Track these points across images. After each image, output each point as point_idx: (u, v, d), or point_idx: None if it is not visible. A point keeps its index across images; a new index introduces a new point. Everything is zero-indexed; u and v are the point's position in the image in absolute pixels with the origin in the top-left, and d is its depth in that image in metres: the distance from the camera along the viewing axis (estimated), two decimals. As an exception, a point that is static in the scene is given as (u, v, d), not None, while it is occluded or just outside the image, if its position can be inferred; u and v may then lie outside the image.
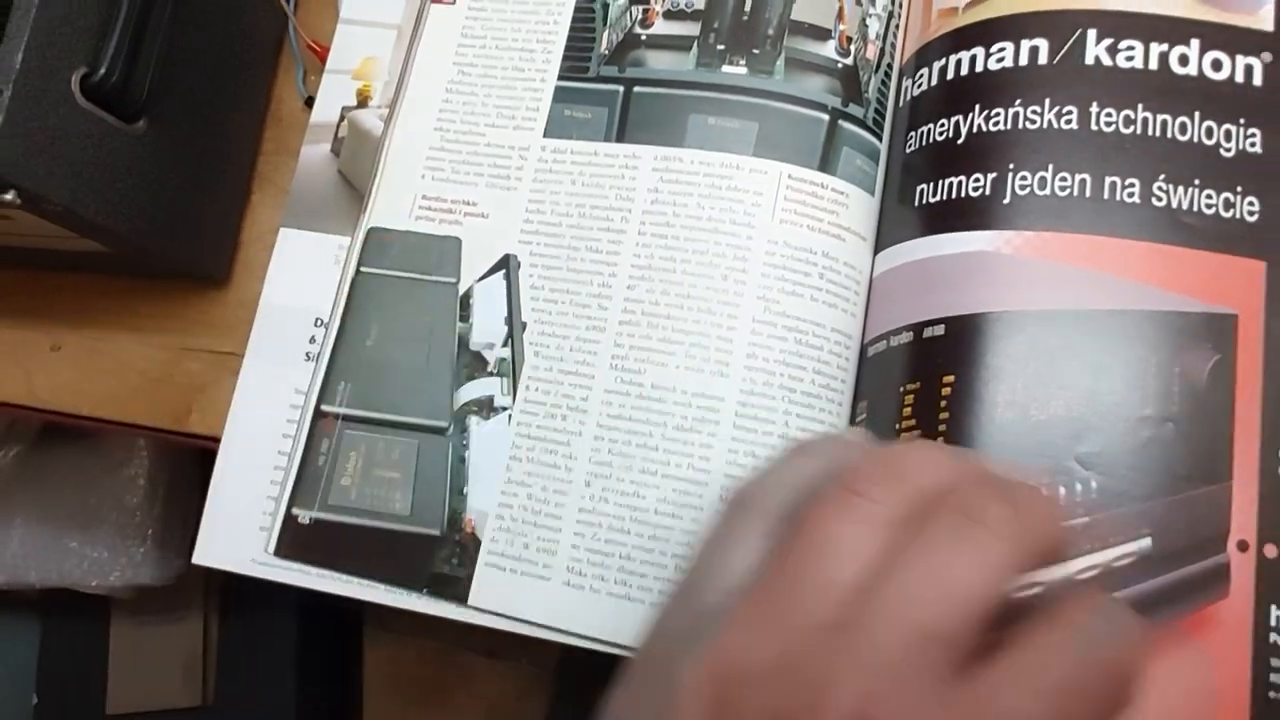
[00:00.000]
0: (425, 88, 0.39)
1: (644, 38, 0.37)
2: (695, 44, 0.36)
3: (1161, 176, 0.31)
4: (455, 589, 0.33)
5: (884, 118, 0.36)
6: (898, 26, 0.37)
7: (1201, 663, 0.24)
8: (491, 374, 0.35)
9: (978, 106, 0.33)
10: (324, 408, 0.36)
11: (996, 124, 0.32)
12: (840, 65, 0.35)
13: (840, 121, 0.35)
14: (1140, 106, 0.31)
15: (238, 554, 0.35)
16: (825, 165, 0.34)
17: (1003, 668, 0.20)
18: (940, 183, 0.33)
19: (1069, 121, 0.31)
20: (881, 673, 0.19)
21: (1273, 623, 0.27)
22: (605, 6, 0.38)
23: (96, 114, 0.34)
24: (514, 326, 0.35)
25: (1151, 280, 0.30)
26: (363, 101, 0.40)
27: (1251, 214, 0.30)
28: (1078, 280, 0.30)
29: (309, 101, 0.41)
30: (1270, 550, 0.27)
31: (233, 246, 0.42)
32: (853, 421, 0.34)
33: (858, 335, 0.34)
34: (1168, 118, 0.31)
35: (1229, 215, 0.30)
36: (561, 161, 0.37)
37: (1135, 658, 0.20)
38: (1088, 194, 0.31)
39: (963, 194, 0.32)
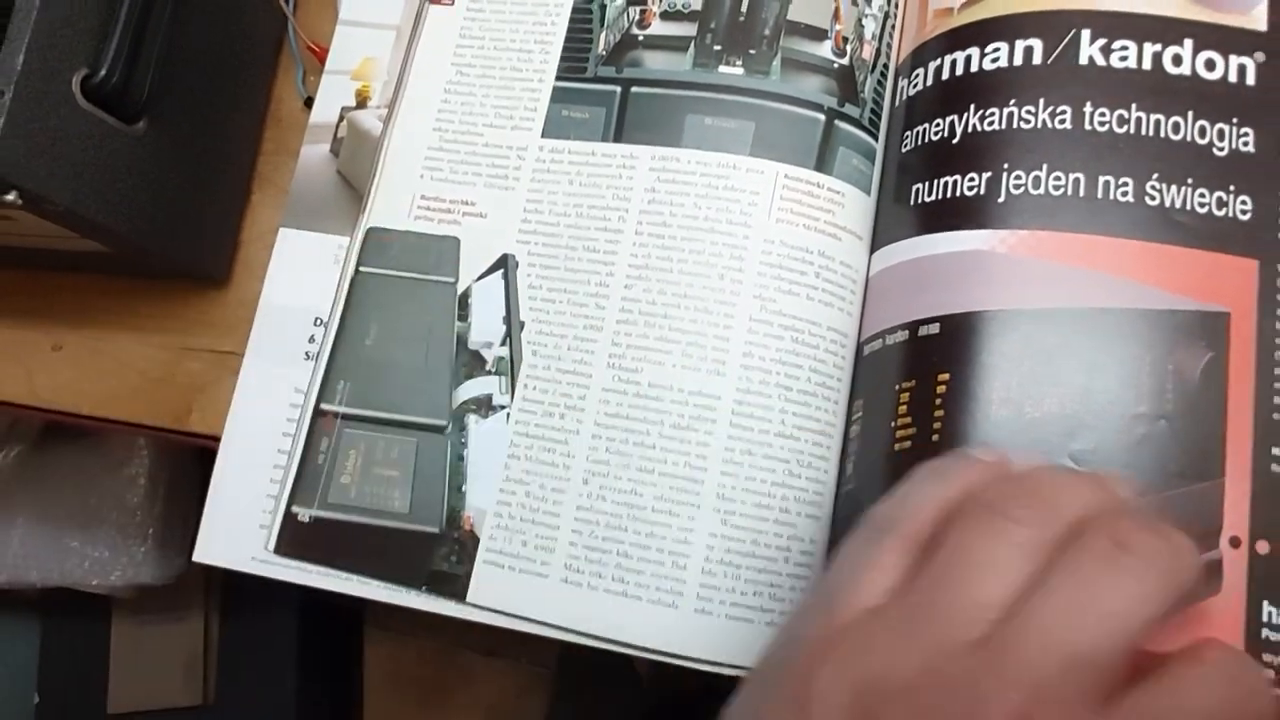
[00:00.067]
0: (424, 88, 0.39)
1: (641, 38, 0.37)
2: (692, 44, 0.36)
3: (1155, 176, 0.31)
4: (454, 586, 0.34)
5: (880, 118, 0.36)
6: (893, 27, 0.37)
7: None
8: (490, 373, 0.35)
9: (973, 106, 0.33)
10: (323, 406, 0.36)
11: (991, 124, 0.33)
12: (836, 65, 0.36)
13: (836, 121, 0.35)
14: (1134, 106, 0.31)
15: (238, 552, 0.36)
16: (821, 165, 0.35)
17: (1150, 698, 0.20)
18: (935, 182, 0.33)
19: (1063, 121, 0.32)
20: (1034, 693, 0.19)
21: (1265, 618, 0.27)
22: (603, 7, 0.38)
23: (97, 115, 0.34)
24: (512, 325, 0.35)
25: (1145, 279, 0.30)
26: (362, 102, 0.40)
27: (1244, 213, 0.30)
28: (1072, 279, 0.31)
29: (308, 102, 0.42)
30: (1262, 546, 0.28)
31: (233, 246, 0.42)
32: (849, 420, 0.34)
33: (854, 334, 0.34)
34: (1161, 117, 0.31)
35: (1222, 214, 0.30)
36: (559, 161, 0.37)
37: (1265, 705, 0.21)
38: (1081, 193, 0.31)
39: (958, 193, 0.33)
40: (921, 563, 0.23)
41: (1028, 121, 0.32)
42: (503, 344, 0.35)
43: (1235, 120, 0.31)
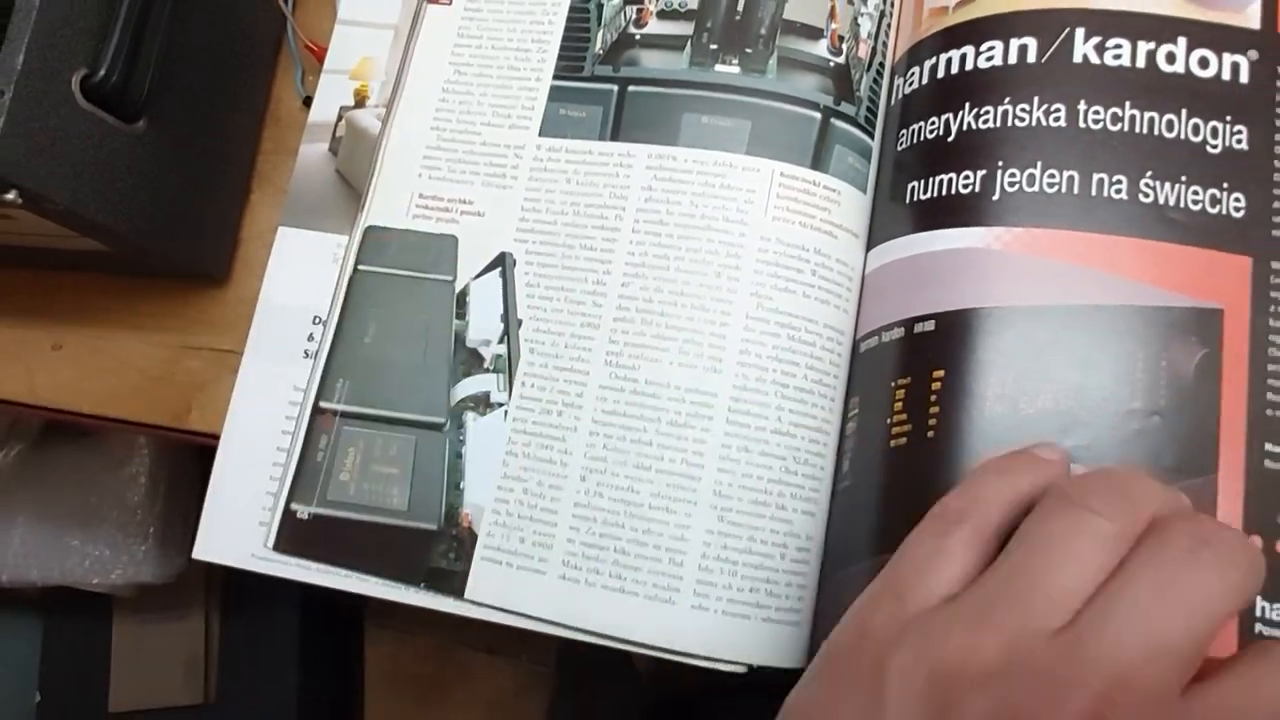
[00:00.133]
0: (422, 87, 0.40)
1: (638, 37, 0.37)
2: (689, 43, 0.37)
3: (1149, 173, 0.31)
4: (452, 583, 0.34)
5: (876, 116, 0.36)
6: (889, 25, 0.37)
7: None
8: (487, 370, 0.36)
9: (968, 104, 0.33)
10: (322, 404, 0.36)
11: (986, 122, 0.33)
12: (832, 64, 0.36)
13: (832, 120, 0.35)
14: (1128, 104, 0.31)
15: (237, 549, 0.36)
16: (817, 163, 0.35)
17: (1231, 686, 0.21)
18: (931, 180, 0.33)
19: (1057, 119, 0.32)
20: (1116, 680, 0.20)
21: (1259, 614, 0.27)
22: (600, 6, 0.38)
23: (97, 114, 0.34)
24: (510, 323, 0.36)
25: (1139, 276, 0.30)
26: (360, 101, 0.41)
27: (1238, 210, 0.30)
28: (1066, 276, 0.31)
29: (307, 101, 0.42)
30: (1255, 541, 0.28)
31: (232, 245, 0.42)
32: (845, 417, 0.34)
33: (850, 331, 0.35)
34: (1155, 115, 0.31)
35: (1215, 211, 0.30)
36: (556, 160, 0.37)
37: None
38: (1075, 190, 0.31)
39: (953, 191, 0.33)
40: (994, 553, 0.24)
41: (1022, 119, 0.32)
42: (500, 342, 0.36)
43: (1229, 118, 0.31)
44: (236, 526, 0.36)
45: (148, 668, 0.89)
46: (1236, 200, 0.30)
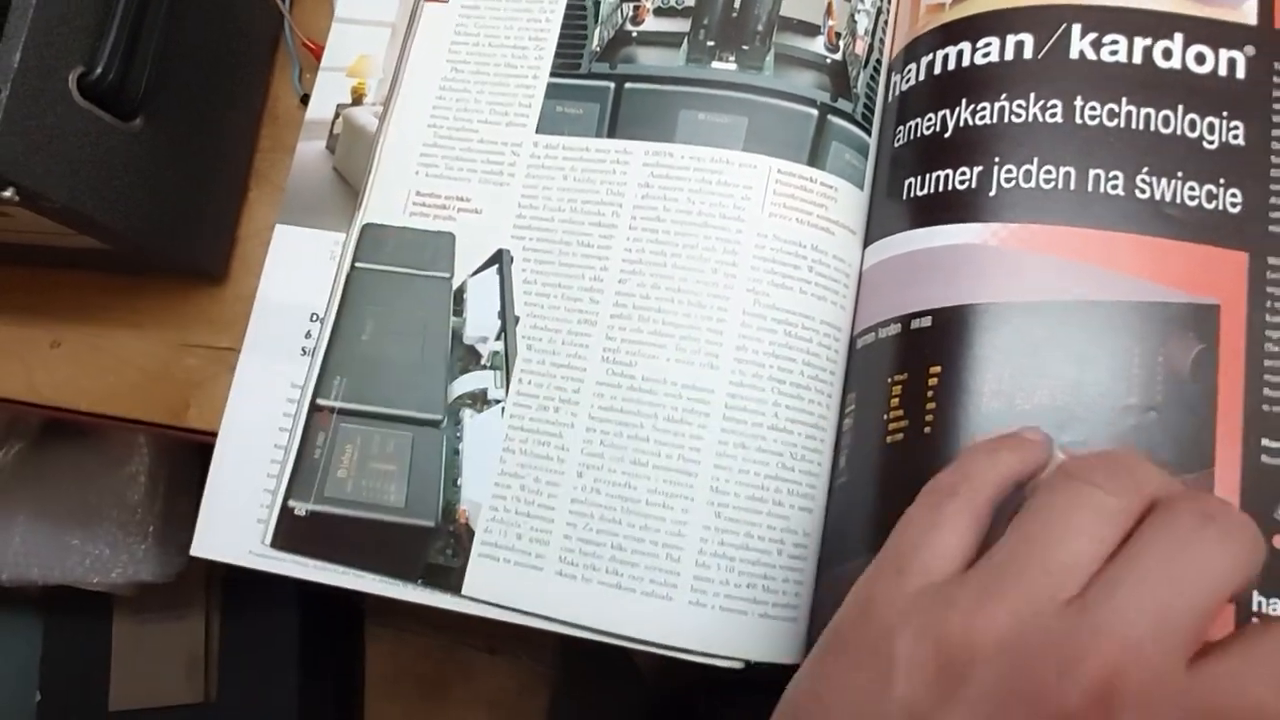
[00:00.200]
0: (419, 85, 0.40)
1: (635, 34, 0.37)
2: (685, 40, 0.37)
3: (1145, 169, 0.31)
4: (449, 579, 0.34)
5: (873, 112, 0.36)
6: (886, 22, 0.37)
7: None
8: (485, 367, 0.36)
9: (964, 101, 0.33)
10: (320, 401, 0.36)
11: (983, 118, 0.33)
12: (829, 61, 0.36)
13: (829, 116, 0.35)
14: (1124, 100, 0.31)
15: (235, 546, 0.36)
16: (814, 160, 0.35)
17: (1237, 660, 0.21)
18: (928, 176, 0.33)
19: (1054, 115, 0.32)
20: (1129, 646, 0.20)
21: (1255, 607, 0.27)
22: (597, 4, 0.38)
23: (94, 112, 0.34)
24: (507, 320, 0.36)
25: (1136, 272, 0.30)
26: (357, 99, 0.41)
27: (1234, 205, 0.30)
28: (1063, 272, 0.31)
29: (304, 99, 0.42)
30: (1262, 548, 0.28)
31: (230, 243, 0.42)
32: (842, 413, 0.34)
33: (847, 327, 0.35)
34: (1151, 111, 0.31)
35: (1212, 207, 0.30)
36: (553, 157, 0.37)
37: None
38: (1072, 186, 0.31)
39: (949, 187, 0.33)
40: (988, 525, 0.24)
41: (1019, 116, 0.32)
42: (497, 339, 0.36)
43: (1225, 114, 0.31)
44: (234, 523, 0.36)
45: (148, 667, 0.89)
46: (1233, 196, 0.30)
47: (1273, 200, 0.30)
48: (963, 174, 0.32)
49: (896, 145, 0.35)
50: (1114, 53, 0.32)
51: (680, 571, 0.32)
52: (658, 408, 0.33)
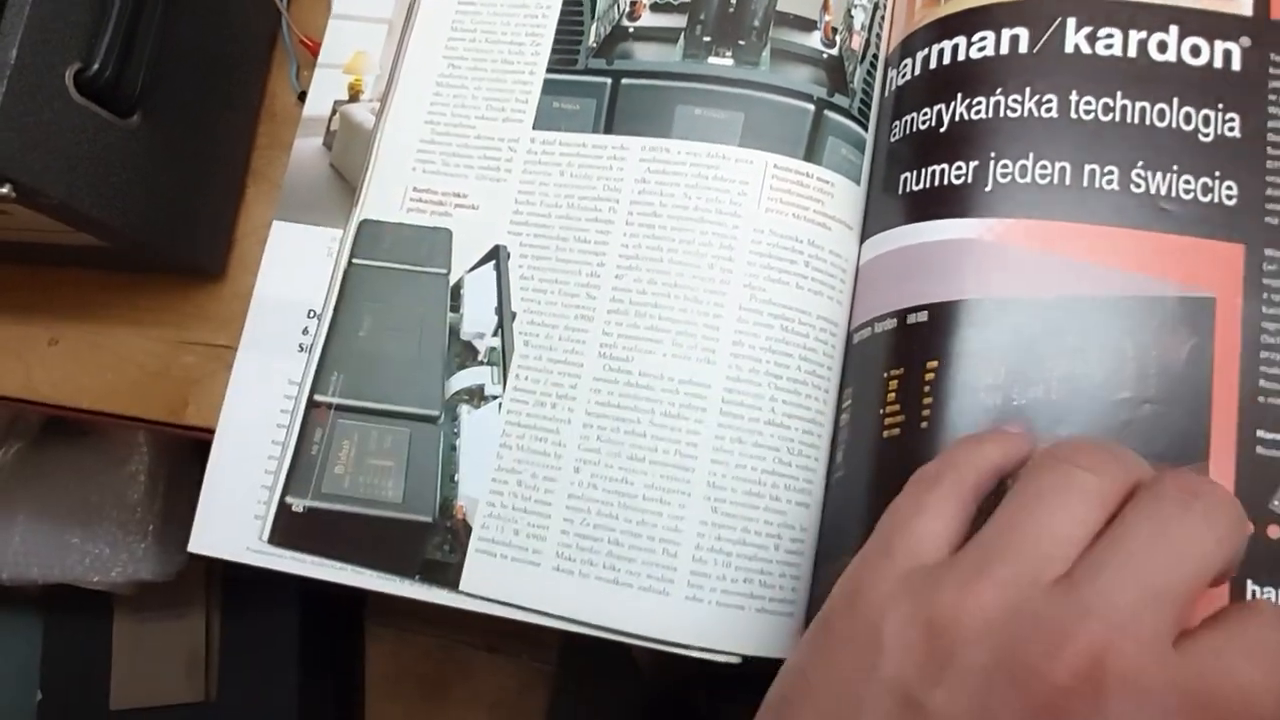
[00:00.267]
0: (416, 81, 0.40)
1: (631, 30, 0.37)
2: (682, 36, 0.37)
3: (1140, 163, 0.31)
4: (447, 575, 0.34)
5: (869, 107, 0.36)
6: (883, 17, 0.37)
7: None
8: (482, 363, 0.36)
9: (960, 95, 0.33)
10: (317, 398, 0.36)
11: (978, 112, 0.33)
12: (826, 56, 0.36)
13: (826, 111, 0.35)
14: (1119, 94, 0.31)
15: (232, 542, 0.36)
16: (811, 155, 0.35)
17: (1222, 639, 0.21)
18: (924, 171, 0.33)
19: (1049, 110, 0.32)
20: (1116, 625, 0.21)
21: (1249, 597, 0.27)
22: (593, 0, 0.38)
23: (91, 109, 0.34)
24: (504, 316, 0.36)
25: (1131, 266, 0.30)
26: (354, 95, 0.41)
27: (1230, 198, 0.30)
28: (1058, 267, 0.31)
29: (302, 96, 0.42)
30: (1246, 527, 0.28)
31: (227, 240, 0.42)
32: (839, 408, 0.34)
33: (843, 322, 0.35)
34: (1146, 104, 0.31)
35: (1207, 200, 0.30)
36: (550, 153, 0.37)
37: None
38: (1068, 182, 0.31)
39: (945, 182, 0.33)
40: (973, 511, 0.25)
41: (1014, 110, 0.32)
42: (494, 334, 0.36)
43: (1221, 106, 0.31)
44: (232, 519, 0.36)
45: (148, 665, 0.89)
46: (1228, 188, 0.30)
47: (1269, 192, 0.30)
48: (959, 169, 0.32)
49: (893, 140, 0.35)
50: (1109, 46, 0.32)
51: (677, 566, 0.32)
52: (654, 403, 0.33)
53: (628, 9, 0.38)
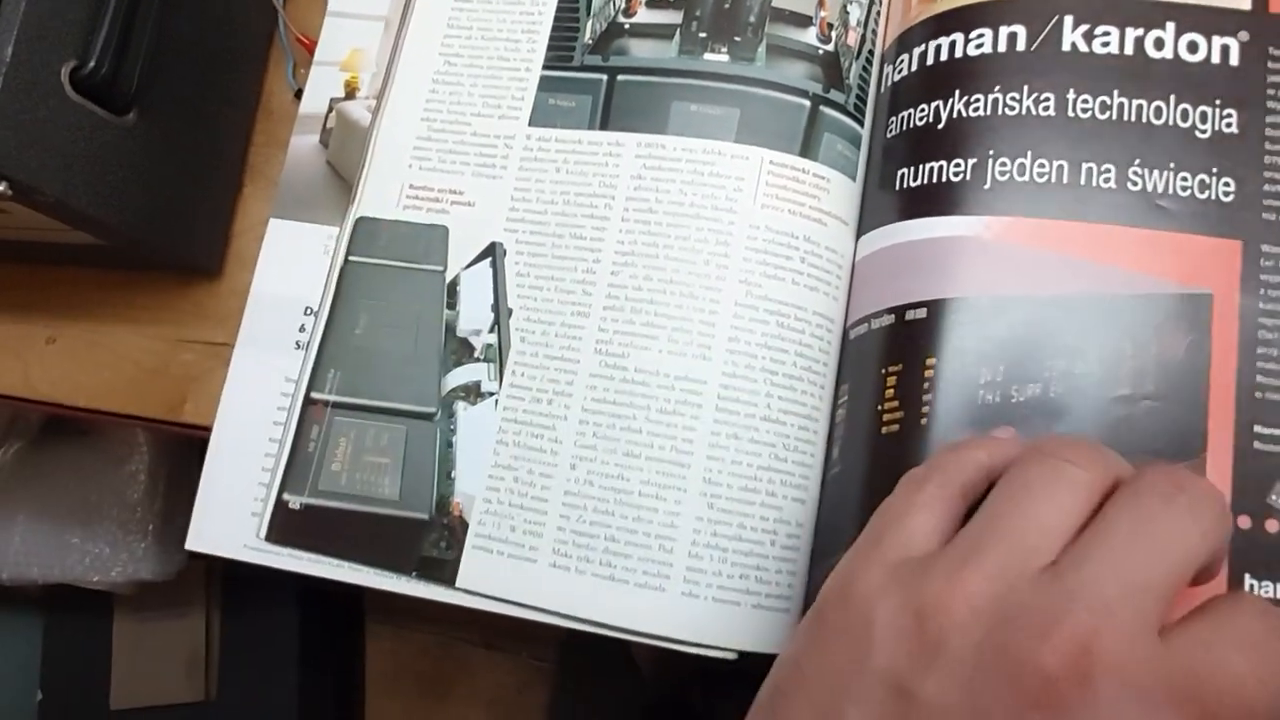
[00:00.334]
0: (412, 78, 0.40)
1: (627, 26, 0.37)
2: (677, 32, 0.37)
3: (1137, 161, 0.31)
4: (443, 572, 0.34)
5: (865, 103, 0.36)
6: (879, 13, 0.37)
7: None
8: (478, 360, 0.36)
9: (957, 92, 0.33)
10: (314, 395, 0.36)
11: (976, 110, 0.33)
12: (821, 52, 0.36)
13: (821, 107, 0.35)
14: (1115, 92, 0.31)
15: (230, 540, 0.36)
16: (807, 151, 0.35)
17: (1210, 628, 0.22)
18: (920, 168, 0.33)
19: (1046, 108, 0.32)
20: (1103, 613, 0.21)
21: (1247, 591, 0.27)
22: (589, -4, 0.38)
23: (87, 106, 0.34)
24: (500, 313, 0.36)
25: (1128, 264, 0.30)
26: (350, 93, 0.41)
27: (1227, 194, 0.30)
28: (1056, 265, 0.31)
29: (298, 94, 0.42)
30: (1244, 521, 0.28)
31: (224, 238, 0.42)
32: (835, 404, 0.34)
33: (840, 319, 0.35)
34: (1143, 102, 0.31)
35: (1205, 196, 0.30)
36: (546, 150, 0.37)
37: None
38: (1065, 180, 0.31)
39: (943, 179, 0.33)
40: (962, 510, 0.25)
41: (1012, 108, 0.32)
42: (491, 331, 0.36)
43: (1218, 101, 0.31)
44: (229, 517, 0.36)
45: (149, 665, 0.89)
46: (1226, 185, 0.30)
47: (1266, 188, 0.30)
48: (956, 165, 0.32)
49: (889, 136, 0.35)
50: (1106, 44, 0.32)
51: (673, 563, 0.32)
52: (650, 399, 0.33)
53: (623, 5, 0.38)
